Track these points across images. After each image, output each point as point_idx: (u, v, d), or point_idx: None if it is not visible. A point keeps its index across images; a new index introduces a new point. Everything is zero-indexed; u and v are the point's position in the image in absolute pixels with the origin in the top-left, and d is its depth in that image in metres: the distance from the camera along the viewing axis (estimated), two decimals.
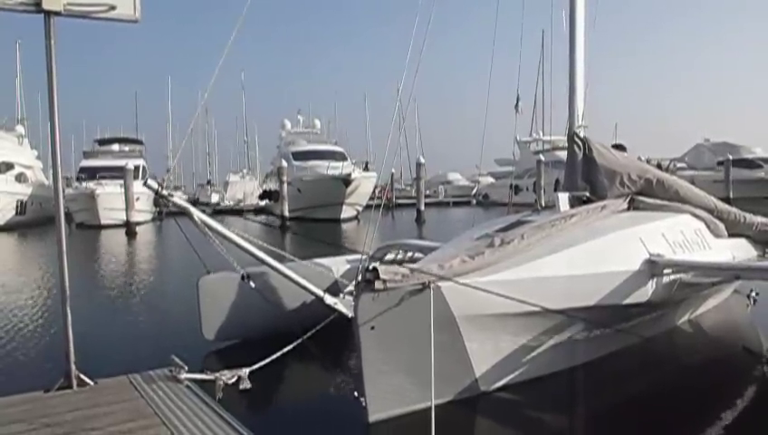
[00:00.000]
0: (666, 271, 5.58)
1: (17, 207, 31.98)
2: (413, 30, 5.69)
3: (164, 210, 38.83)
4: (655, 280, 5.52)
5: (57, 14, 4.40)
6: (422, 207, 30.13)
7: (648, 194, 7.10)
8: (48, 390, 4.42)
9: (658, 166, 24.54)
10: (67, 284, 4.63)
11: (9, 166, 32.88)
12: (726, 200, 9.54)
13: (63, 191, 4.90)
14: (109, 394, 4.29)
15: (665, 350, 6.43)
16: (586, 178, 7.14)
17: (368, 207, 30.59)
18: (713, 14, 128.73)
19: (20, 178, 33.75)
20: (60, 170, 4.78)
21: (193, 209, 5.05)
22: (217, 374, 4.56)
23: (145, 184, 4.78)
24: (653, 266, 5.50)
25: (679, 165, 40.09)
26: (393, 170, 46.13)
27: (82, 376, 4.52)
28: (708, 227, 7.12)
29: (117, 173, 29.26)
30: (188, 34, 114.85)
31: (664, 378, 5.63)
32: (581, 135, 7.33)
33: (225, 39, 5.69)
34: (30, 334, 7.75)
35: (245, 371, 4.73)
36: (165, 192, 4.78)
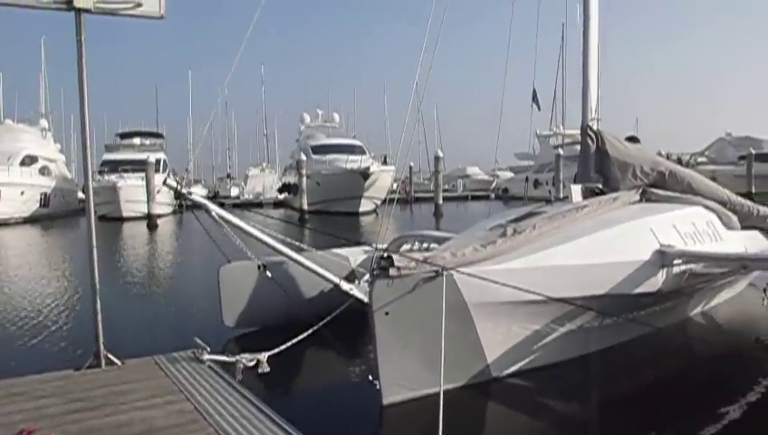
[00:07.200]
0: (676, 261, 5.63)
1: (41, 199, 32.62)
2: (428, 22, 5.80)
3: (184, 203, 39.21)
4: (665, 270, 5.57)
5: (87, 11, 4.60)
6: (440, 201, 30.11)
7: (661, 186, 7.15)
8: (78, 368, 4.66)
9: (678, 160, 24.35)
10: (96, 269, 4.86)
11: (33, 159, 33.50)
12: (748, 195, 9.54)
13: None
14: (135, 373, 4.51)
15: (677, 340, 6.47)
16: (599, 170, 7.22)
17: (386, 200, 30.66)
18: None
19: (43, 171, 34.37)
20: (90, 164, 5.02)
21: (210, 205, 5.19)
22: (238, 357, 4.73)
23: (164, 183, 4.91)
24: (663, 257, 5.56)
25: (700, 160, 39.56)
26: (411, 164, 46.00)
27: (110, 356, 4.76)
28: (721, 218, 7.14)
29: (138, 166, 29.72)
30: (210, 28, 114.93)
31: (676, 368, 5.68)
32: (594, 127, 7.41)
33: (245, 33, 5.86)
34: (60, 319, 8.12)
35: (265, 355, 4.88)
36: (184, 190, 4.91)
